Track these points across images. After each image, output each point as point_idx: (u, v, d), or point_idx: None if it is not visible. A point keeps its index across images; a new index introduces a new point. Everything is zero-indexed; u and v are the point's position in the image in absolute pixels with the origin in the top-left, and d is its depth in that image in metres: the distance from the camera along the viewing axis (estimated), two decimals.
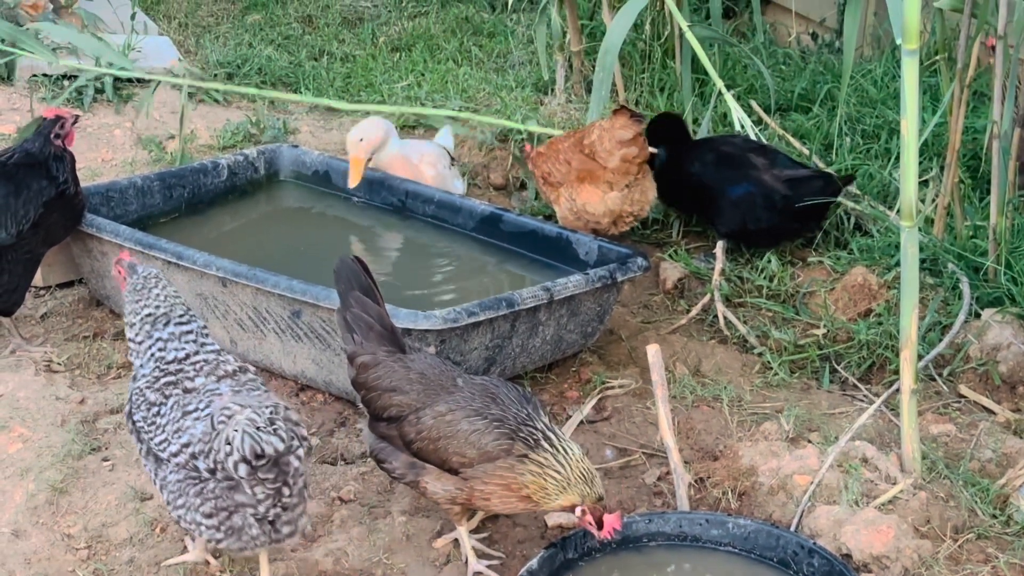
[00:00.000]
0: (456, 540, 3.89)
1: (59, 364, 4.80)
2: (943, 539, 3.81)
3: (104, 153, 6.39)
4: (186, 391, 3.60)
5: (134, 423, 3.68)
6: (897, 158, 5.93)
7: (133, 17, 7.53)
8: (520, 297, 4.43)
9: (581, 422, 4.52)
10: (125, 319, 3.86)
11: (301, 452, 3.44)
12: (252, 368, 3.77)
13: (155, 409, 3.60)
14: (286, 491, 3.46)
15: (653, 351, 4.14)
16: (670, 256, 5.55)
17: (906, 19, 3.70)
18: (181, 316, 3.77)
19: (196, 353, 3.69)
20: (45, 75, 6.96)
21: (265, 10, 8.65)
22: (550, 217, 5.55)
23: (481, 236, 5.24)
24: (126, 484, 4.11)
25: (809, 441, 4.26)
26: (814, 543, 3.68)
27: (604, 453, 4.38)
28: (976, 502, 3.97)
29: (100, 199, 5.17)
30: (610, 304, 4.82)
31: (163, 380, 3.64)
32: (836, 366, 4.85)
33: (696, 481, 4.17)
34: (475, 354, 4.40)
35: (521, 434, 3.62)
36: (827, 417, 4.48)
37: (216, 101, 7.10)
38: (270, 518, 3.49)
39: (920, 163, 5.64)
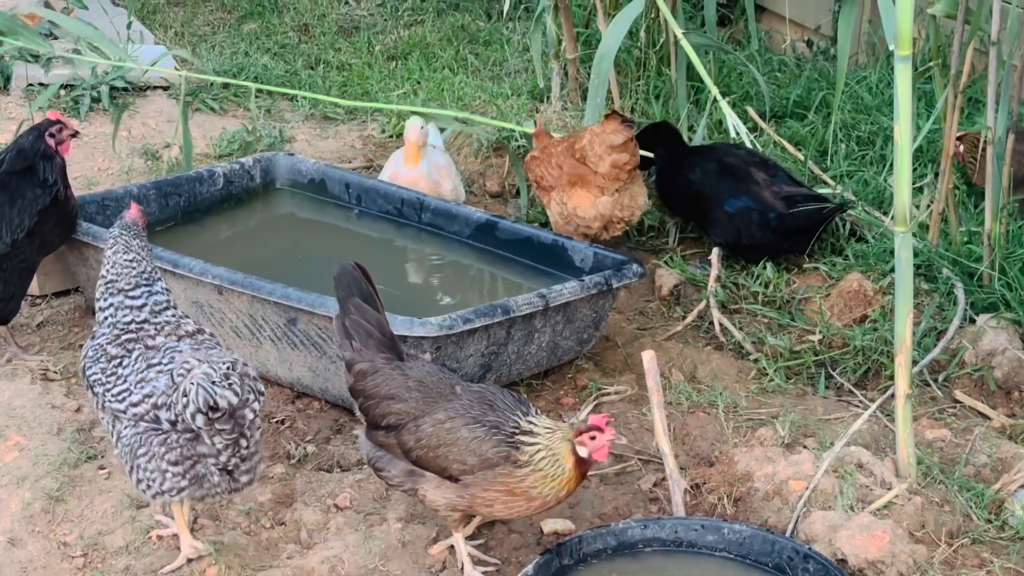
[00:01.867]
0: (452, 547, 3.90)
1: (55, 373, 4.80)
2: (938, 544, 3.81)
3: (100, 162, 6.40)
4: (147, 348, 3.78)
5: (88, 377, 3.82)
6: (892, 164, 5.93)
7: (129, 27, 7.52)
8: (516, 304, 4.44)
9: None
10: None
11: (256, 405, 3.64)
12: (208, 329, 3.94)
13: (116, 361, 3.77)
14: (244, 442, 3.67)
15: (649, 357, 4.14)
16: (666, 263, 5.56)
17: (899, 25, 3.71)
18: (132, 290, 3.89)
19: (155, 316, 3.86)
20: (42, 84, 6.97)
21: (261, 19, 8.67)
22: (546, 224, 5.55)
23: (477, 243, 5.25)
24: (122, 492, 4.11)
25: (804, 447, 4.26)
26: (809, 548, 3.69)
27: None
28: (971, 507, 3.97)
29: (96, 207, 5.17)
30: (606, 311, 4.83)
31: (124, 336, 3.81)
32: (832, 372, 4.85)
33: (692, 487, 4.17)
34: (471, 361, 4.40)
35: (513, 439, 3.63)
36: (822, 423, 4.49)
37: (212, 110, 7.11)
38: (230, 467, 3.69)
39: (915, 169, 5.65)
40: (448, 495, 3.71)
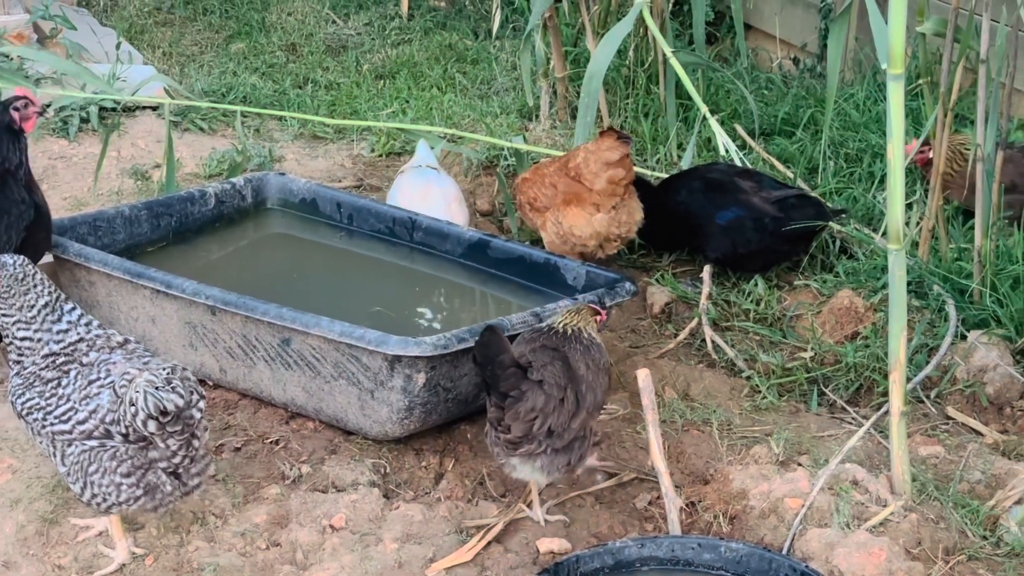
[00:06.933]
0: (447, 568, 3.90)
1: None
2: (934, 561, 3.82)
3: (90, 182, 6.38)
4: (83, 365, 3.83)
5: (22, 406, 3.85)
6: (881, 181, 5.97)
7: (118, 47, 7.55)
8: (510, 322, 4.43)
9: None
10: (10, 318, 3.89)
11: (202, 404, 3.73)
12: (134, 338, 4.00)
13: (54, 383, 3.82)
14: (196, 442, 3.77)
15: (643, 375, 4.15)
16: (657, 280, 5.57)
17: (891, 44, 3.73)
18: (65, 301, 3.96)
19: (88, 333, 3.92)
20: None
21: (249, 39, 8.66)
22: (537, 242, 5.56)
23: (469, 262, 5.25)
24: None
25: (799, 464, 4.27)
26: (806, 566, 3.69)
27: (595, 477, 4.38)
28: (966, 524, 3.98)
29: (88, 228, 5.16)
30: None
31: (60, 360, 3.85)
32: (824, 389, 4.86)
33: (687, 505, 4.17)
34: (465, 380, 4.40)
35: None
36: (816, 440, 4.50)
37: (201, 130, 7.11)
38: (180, 470, 3.77)
39: (905, 186, 5.68)
40: None
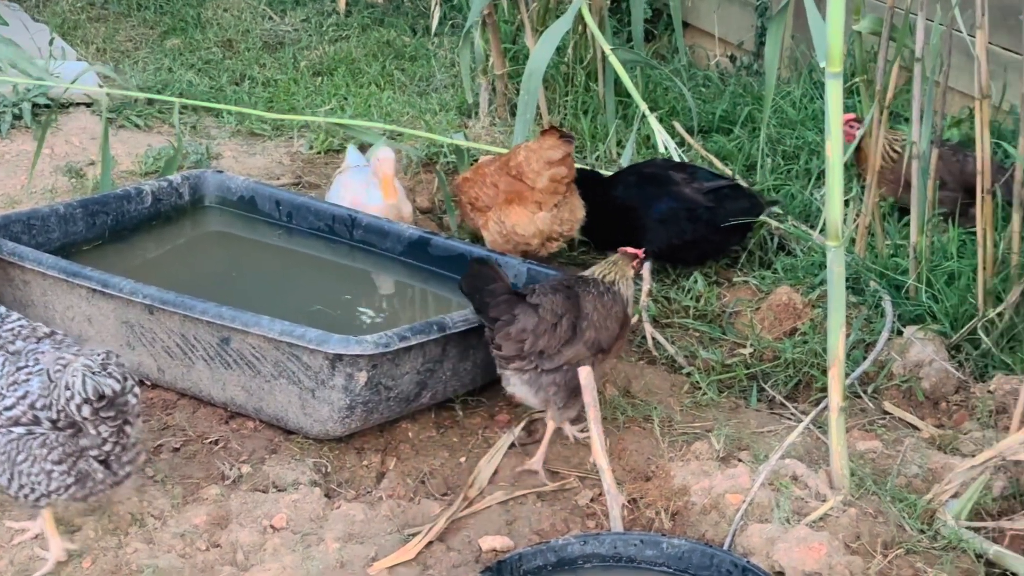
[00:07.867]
0: (390, 567, 3.88)
1: None
2: (873, 555, 3.86)
3: (23, 180, 6.29)
4: (10, 353, 3.81)
5: None
6: (818, 178, 6.02)
7: (51, 43, 7.45)
8: (451, 321, 4.43)
9: (512, 445, 4.52)
10: None
11: (137, 390, 3.72)
12: (62, 331, 3.97)
13: None
14: (128, 428, 3.75)
15: (585, 372, 4.16)
16: None
17: (830, 43, 3.76)
18: None
19: (5, 323, 3.89)
20: None
21: (184, 35, 8.59)
22: (478, 240, 5.55)
23: (410, 260, 5.23)
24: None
25: (739, 460, 4.30)
26: (747, 561, 3.71)
27: (539, 478, 4.38)
28: (904, 517, 4.02)
29: (22, 227, 5.09)
30: None
31: None
32: (763, 385, 4.90)
33: (629, 502, 4.18)
34: (406, 378, 4.39)
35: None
36: (756, 436, 4.53)
37: (137, 126, 7.03)
38: (111, 458, 3.75)
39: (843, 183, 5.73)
40: None
